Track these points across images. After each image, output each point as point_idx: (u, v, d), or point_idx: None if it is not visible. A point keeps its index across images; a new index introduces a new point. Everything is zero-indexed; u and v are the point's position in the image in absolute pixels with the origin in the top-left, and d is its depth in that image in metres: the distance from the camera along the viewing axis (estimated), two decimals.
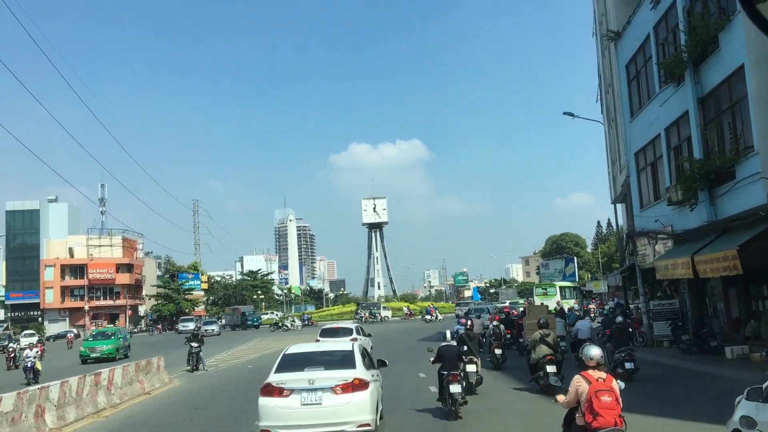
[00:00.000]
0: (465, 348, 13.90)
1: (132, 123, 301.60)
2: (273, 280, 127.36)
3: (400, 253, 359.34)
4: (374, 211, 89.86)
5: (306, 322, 62.46)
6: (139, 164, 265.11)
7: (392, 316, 71.16)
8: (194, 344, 22.92)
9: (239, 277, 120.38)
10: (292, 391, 9.02)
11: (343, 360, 9.84)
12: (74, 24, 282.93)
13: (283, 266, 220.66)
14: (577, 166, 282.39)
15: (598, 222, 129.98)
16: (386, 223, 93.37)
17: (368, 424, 9.12)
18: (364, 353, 10.57)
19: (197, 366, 22.89)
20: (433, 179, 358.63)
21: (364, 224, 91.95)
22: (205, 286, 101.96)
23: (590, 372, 6.30)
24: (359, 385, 9.13)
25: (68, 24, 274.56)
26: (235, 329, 68.04)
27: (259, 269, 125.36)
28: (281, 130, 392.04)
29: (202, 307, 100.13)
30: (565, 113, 31.78)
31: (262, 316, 75.46)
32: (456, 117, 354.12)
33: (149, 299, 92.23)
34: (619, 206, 32.53)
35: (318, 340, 18.85)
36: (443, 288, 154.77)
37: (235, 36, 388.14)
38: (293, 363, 9.73)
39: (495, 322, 21.34)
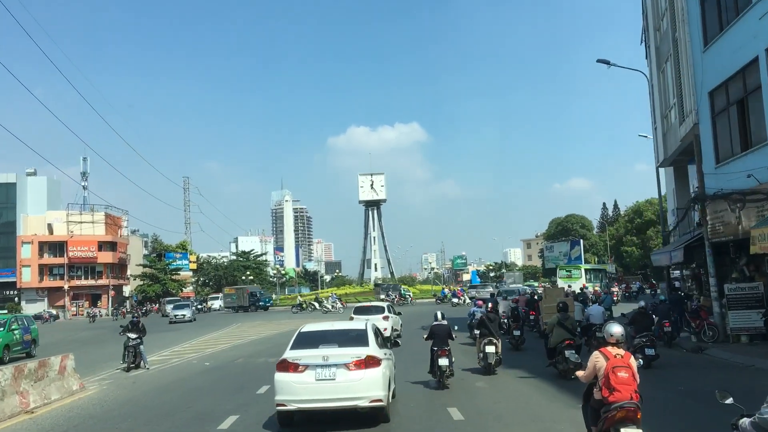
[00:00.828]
0: (480, 330, 14.96)
1: (129, 103, 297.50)
2: (266, 261, 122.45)
3: (398, 236, 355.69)
4: (371, 187, 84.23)
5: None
6: (123, 138, 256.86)
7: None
8: (132, 335, 18.09)
9: (231, 257, 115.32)
10: (306, 366, 9.22)
11: (357, 338, 10.07)
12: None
13: (279, 248, 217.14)
14: (576, 151, 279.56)
15: (604, 204, 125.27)
16: (384, 200, 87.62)
17: (380, 400, 9.30)
18: (377, 332, 10.80)
19: (136, 363, 18.12)
20: (432, 163, 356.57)
21: (360, 201, 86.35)
22: (193, 266, 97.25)
23: (609, 348, 6.52)
24: (372, 362, 9.32)
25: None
26: (237, 311, 63.05)
27: (252, 249, 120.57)
28: (279, 113, 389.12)
29: (191, 287, 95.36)
30: (599, 61, 26.67)
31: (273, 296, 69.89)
32: (454, 100, 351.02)
33: (134, 279, 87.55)
34: (662, 171, 27.62)
35: (352, 318, 21.00)
36: (441, 271, 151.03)
37: (233, 17, 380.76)
38: (308, 340, 10.00)
39: (513, 304, 22.36)
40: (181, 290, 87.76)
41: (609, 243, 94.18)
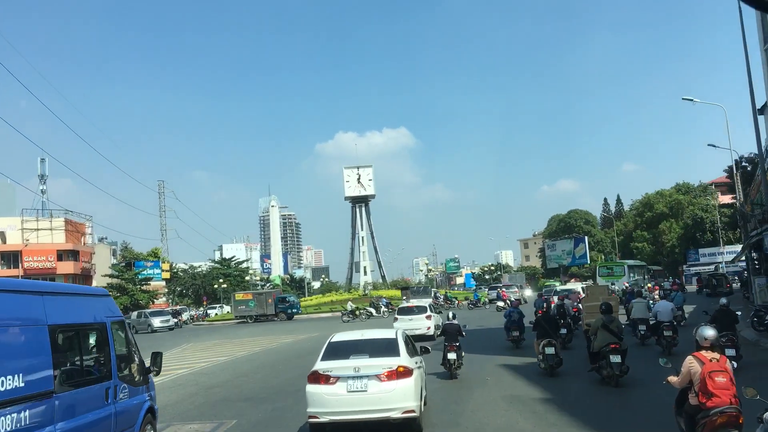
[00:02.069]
0: (537, 330, 15.50)
1: (112, 113, 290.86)
2: (248, 268, 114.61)
3: (388, 240, 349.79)
4: (358, 182, 75.37)
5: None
6: (87, 142, 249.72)
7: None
8: None
9: (210, 265, 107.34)
10: (338, 378, 9.18)
11: (387, 347, 9.92)
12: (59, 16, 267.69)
13: (267, 255, 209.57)
14: (564, 153, 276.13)
15: (605, 200, 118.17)
16: (373, 196, 78.89)
17: (413, 411, 9.22)
18: (408, 341, 10.71)
19: None
20: (420, 167, 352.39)
21: (347, 198, 77.23)
22: (166, 275, 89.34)
23: (703, 353, 6.48)
24: (403, 372, 9.25)
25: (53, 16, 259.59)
26: (257, 320, 54.59)
27: (233, 256, 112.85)
28: (266, 120, 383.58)
29: (164, 299, 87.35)
30: (684, 99, 30.28)
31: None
32: (442, 104, 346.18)
33: None
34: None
35: (396, 319, 25.67)
36: (434, 275, 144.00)
37: (219, 26, 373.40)
38: (338, 351, 9.88)
39: (575, 302, 22.81)
40: (152, 301, 79.87)
41: (617, 239, 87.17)
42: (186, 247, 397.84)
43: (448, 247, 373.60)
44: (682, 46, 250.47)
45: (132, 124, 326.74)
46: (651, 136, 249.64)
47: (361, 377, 9.14)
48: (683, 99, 29.93)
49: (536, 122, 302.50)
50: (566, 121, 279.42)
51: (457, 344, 15.30)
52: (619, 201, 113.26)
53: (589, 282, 63.02)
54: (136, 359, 8.88)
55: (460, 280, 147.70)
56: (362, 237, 74.67)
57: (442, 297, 55.04)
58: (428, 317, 25.73)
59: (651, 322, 18.90)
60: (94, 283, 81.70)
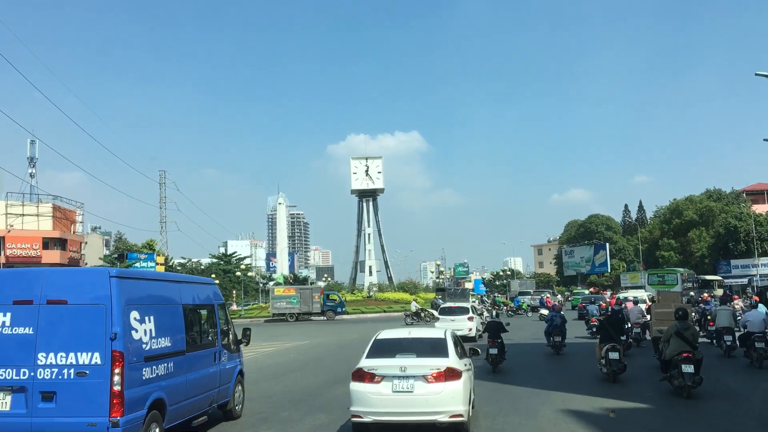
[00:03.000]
0: (600, 335, 15.40)
1: (123, 109, 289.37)
2: (250, 265, 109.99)
3: (397, 243, 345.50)
4: (366, 174, 69.22)
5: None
6: (81, 127, 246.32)
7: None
8: None
9: (210, 260, 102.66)
10: (383, 377, 8.85)
11: (435, 347, 9.48)
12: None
13: (273, 254, 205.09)
14: (576, 162, 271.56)
15: (626, 206, 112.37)
16: (382, 190, 72.36)
17: (461, 415, 8.83)
18: (457, 341, 10.24)
19: None
20: (431, 172, 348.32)
21: (353, 191, 71.12)
22: (161, 268, 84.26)
23: None
24: (452, 374, 8.85)
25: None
26: (294, 320, 49.63)
27: (234, 252, 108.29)
28: (279, 120, 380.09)
29: None
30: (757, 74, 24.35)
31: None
32: (455, 109, 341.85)
33: None
34: None
35: (438, 318, 26.79)
36: (441, 279, 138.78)
37: (232, 24, 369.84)
38: (384, 349, 9.55)
39: (617, 307, 21.49)
40: None
41: (641, 247, 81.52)
42: (188, 242, 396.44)
43: (457, 253, 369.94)
44: (694, 55, 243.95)
45: (142, 120, 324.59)
46: (662, 148, 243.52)
47: (407, 377, 8.76)
48: (756, 74, 24.60)
49: (548, 130, 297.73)
50: (578, 129, 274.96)
51: (499, 340, 16.64)
52: (641, 207, 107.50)
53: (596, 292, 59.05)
54: (231, 333, 11.31)
55: (468, 286, 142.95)
56: (368, 234, 68.85)
57: (489, 302, 47.97)
58: (470, 318, 26.01)
59: (738, 333, 18.28)
60: None
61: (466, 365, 9.70)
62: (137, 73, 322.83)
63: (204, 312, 10.45)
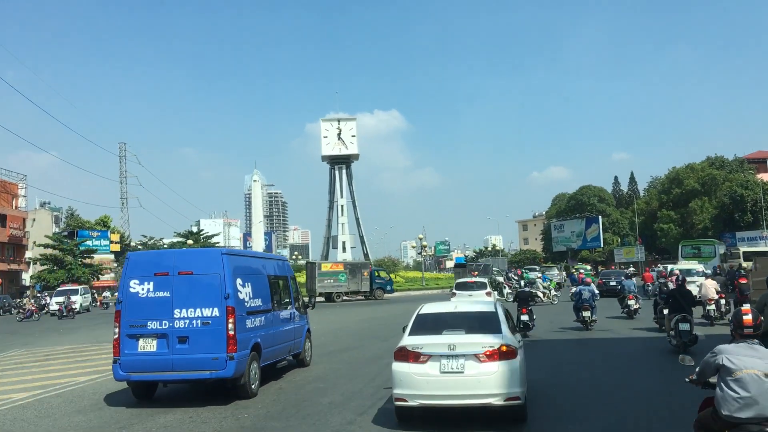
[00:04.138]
0: (669, 305, 14.69)
1: (102, 90, 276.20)
2: (219, 243, 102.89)
3: (376, 223, 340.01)
4: (339, 138, 60.90)
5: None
6: (26, 96, 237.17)
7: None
8: None
9: (175, 239, 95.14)
10: (429, 356, 7.85)
11: (486, 322, 8.50)
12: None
13: (250, 233, 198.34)
14: (554, 140, 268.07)
15: (616, 178, 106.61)
16: (356, 156, 63.92)
17: (517, 398, 7.76)
18: (508, 315, 9.29)
19: None
20: (411, 151, 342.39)
21: (324, 158, 63.10)
22: (116, 247, 77.05)
23: None
24: (507, 352, 7.80)
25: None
26: (334, 300, 43.92)
27: (202, 230, 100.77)
28: (256, 99, 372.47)
29: (111, 275, 75.26)
30: None
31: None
32: (434, 87, 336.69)
33: (34, 264, 67.59)
34: None
35: (454, 293, 25.77)
36: (424, 256, 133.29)
37: (211, 4, 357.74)
38: (429, 324, 8.58)
39: (662, 279, 20.25)
40: (96, 277, 67.90)
41: (638, 220, 75.65)
42: (154, 221, 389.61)
43: (438, 232, 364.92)
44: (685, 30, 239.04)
45: (121, 100, 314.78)
46: (640, 125, 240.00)
47: (456, 356, 7.74)
48: None
49: (528, 107, 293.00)
50: (558, 107, 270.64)
51: (529, 308, 17.81)
52: (632, 179, 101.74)
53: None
54: (300, 299, 14.31)
55: (449, 264, 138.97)
56: (341, 206, 61.51)
57: (515, 278, 41.37)
58: (488, 294, 25.72)
59: None
60: (29, 254, 69.72)
61: (519, 341, 8.59)
62: (114, 52, 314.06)
63: (281, 282, 13.25)
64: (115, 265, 78.67)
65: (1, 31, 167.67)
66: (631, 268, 36.59)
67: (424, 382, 7.78)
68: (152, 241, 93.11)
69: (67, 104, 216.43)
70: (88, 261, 66.72)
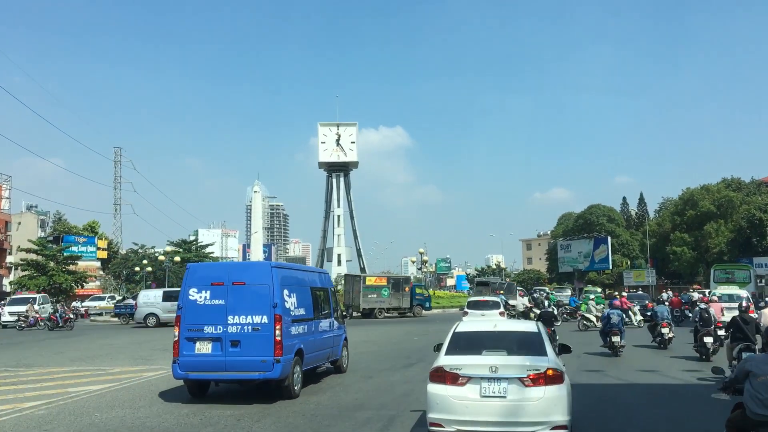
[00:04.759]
0: (732, 333, 13.73)
1: (107, 98, 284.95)
2: (212, 253, 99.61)
3: (376, 236, 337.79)
4: (337, 144, 57.22)
5: None
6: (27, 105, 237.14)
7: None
8: None
9: (168, 248, 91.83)
10: (469, 378, 7.25)
11: (529, 344, 7.89)
12: None
13: (249, 245, 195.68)
14: (558, 161, 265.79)
15: (624, 198, 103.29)
16: (355, 164, 59.72)
17: (564, 427, 7.11)
18: (552, 336, 9.25)
19: None
20: (414, 168, 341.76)
21: (321, 164, 59.38)
22: (103, 254, 73.87)
23: None
24: (554, 376, 7.15)
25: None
26: (376, 316, 41.01)
27: (195, 239, 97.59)
28: (263, 113, 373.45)
29: (97, 283, 72.00)
30: None
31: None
32: (440, 105, 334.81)
33: (16, 269, 64.40)
34: None
35: (466, 312, 25.31)
36: (421, 275, 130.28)
37: (218, 16, 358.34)
38: (466, 344, 7.98)
39: (703, 305, 18.97)
40: (80, 285, 64.55)
41: (649, 242, 72.25)
42: (150, 229, 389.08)
43: (439, 249, 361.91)
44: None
45: (125, 108, 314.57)
46: (643, 149, 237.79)
47: (499, 379, 7.14)
48: None
49: (532, 127, 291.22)
50: (561, 128, 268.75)
51: (552, 329, 17.08)
52: (642, 200, 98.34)
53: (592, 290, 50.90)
54: (339, 309, 15.57)
55: (450, 282, 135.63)
56: (338, 216, 58.19)
57: (544, 300, 35.16)
58: (501, 313, 25.01)
59: None
60: (10, 259, 66.60)
61: (563, 365, 7.78)
62: (122, 60, 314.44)
63: (322, 293, 14.15)
64: (102, 273, 75.43)
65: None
66: (667, 293, 33.19)
67: (462, 407, 7.19)
68: (143, 249, 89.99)
69: (70, 111, 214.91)
70: (72, 268, 63.51)
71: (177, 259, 64.01)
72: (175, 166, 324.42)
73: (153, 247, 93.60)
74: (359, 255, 59.24)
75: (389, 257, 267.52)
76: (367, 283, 42.32)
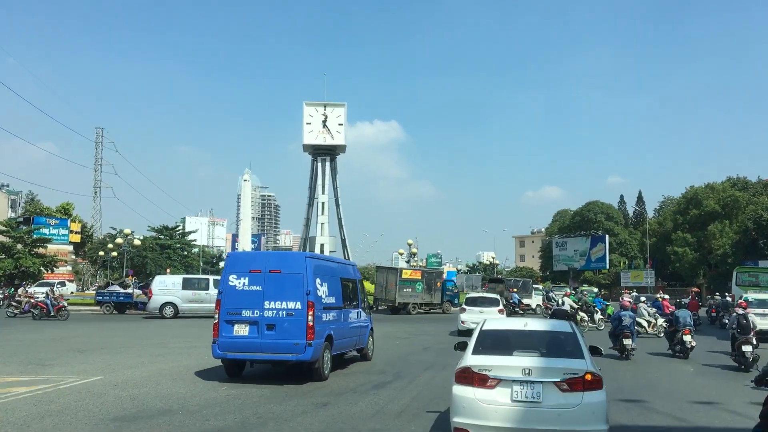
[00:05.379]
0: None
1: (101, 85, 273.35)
2: (194, 241, 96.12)
3: (367, 230, 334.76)
4: (324, 125, 53.33)
5: None
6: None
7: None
8: None
9: (148, 233, 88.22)
10: (499, 381, 6.61)
11: (564, 344, 7.23)
12: None
13: (238, 234, 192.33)
14: (550, 159, 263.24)
15: (621, 197, 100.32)
16: (343, 147, 55.91)
17: None
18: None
19: None
20: (408, 163, 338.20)
21: (305, 147, 55.27)
22: (75, 238, 70.05)
23: None
24: (592, 381, 6.51)
25: None
26: (410, 312, 37.98)
27: (177, 226, 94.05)
28: (256, 102, 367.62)
29: (68, 268, 68.37)
30: None
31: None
32: (436, 101, 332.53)
33: None
34: None
35: (464, 309, 24.41)
36: (415, 264, 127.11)
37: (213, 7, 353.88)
38: (494, 343, 7.32)
39: (741, 310, 16.84)
40: (50, 270, 61.03)
41: (648, 241, 69.25)
42: (133, 214, 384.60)
43: (430, 244, 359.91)
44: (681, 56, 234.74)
45: (121, 95, 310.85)
46: (634, 151, 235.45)
47: (532, 383, 6.49)
48: None
49: (527, 125, 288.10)
50: (556, 126, 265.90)
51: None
52: (640, 198, 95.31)
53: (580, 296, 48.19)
54: (366, 300, 16.15)
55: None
56: (322, 204, 54.65)
57: (564, 300, 29.48)
58: (500, 311, 24.29)
59: None
60: None
61: (600, 370, 6.95)
62: (116, 48, 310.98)
63: (351, 284, 14.79)
64: (73, 257, 71.74)
65: None
66: (663, 295, 29.48)
67: (491, 412, 6.52)
68: (122, 234, 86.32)
69: (60, 98, 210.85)
70: (41, 251, 59.96)
71: (137, 242, 60.68)
72: (168, 153, 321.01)
73: (132, 233, 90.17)
74: (344, 246, 55.81)
75: (379, 251, 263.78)
76: (404, 276, 39.21)
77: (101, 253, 63.20)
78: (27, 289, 35.50)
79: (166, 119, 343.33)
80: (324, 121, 52.97)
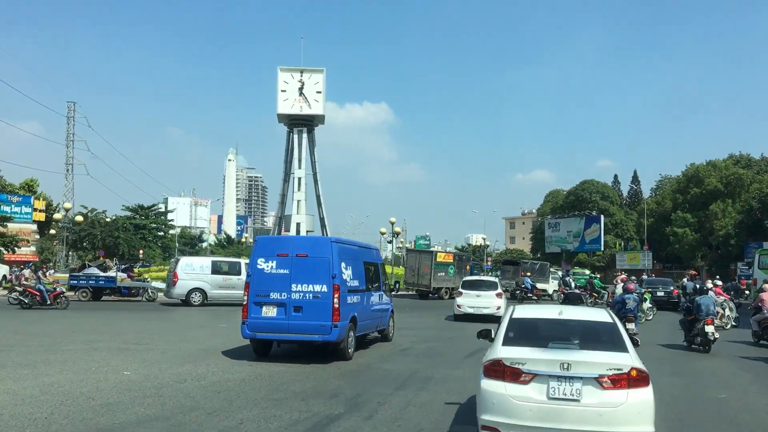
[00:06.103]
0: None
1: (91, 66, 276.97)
2: (172, 221, 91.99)
3: (354, 212, 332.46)
4: (300, 93, 48.33)
5: None
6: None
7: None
8: None
9: (121, 212, 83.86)
10: (533, 376, 5.97)
11: (604, 336, 6.54)
12: None
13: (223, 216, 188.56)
14: (540, 142, 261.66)
15: (615, 176, 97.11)
16: (321, 117, 50.95)
17: None
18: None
19: None
20: (398, 145, 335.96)
21: (280, 117, 50.58)
22: (40, 216, 65.73)
23: None
24: (638, 378, 5.89)
25: None
26: (443, 297, 37.18)
27: (153, 205, 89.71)
28: (246, 85, 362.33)
29: (32, 248, 64.26)
30: None
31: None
32: (425, 83, 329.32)
33: None
34: None
35: (461, 293, 23.70)
36: (401, 246, 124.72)
37: None
38: (526, 333, 6.64)
39: None
40: (11, 250, 57.10)
41: (646, 222, 65.90)
42: (108, 193, 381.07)
43: (419, 227, 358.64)
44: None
45: (112, 75, 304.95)
46: (623, 135, 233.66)
47: (571, 378, 5.87)
48: None
49: (517, 108, 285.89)
50: (546, 109, 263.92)
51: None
52: (635, 178, 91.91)
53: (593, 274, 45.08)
54: (387, 284, 16.85)
55: None
56: (299, 179, 50.30)
57: (573, 283, 30.37)
58: (498, 295, 23.53)
59: None
60: None
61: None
62: (108, 31, 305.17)
63: (373, 268, 15.29)
64: (37, 237, 67.60)
65: None
66: (715, 281, 25.79)
67: (525, 409, 5.89)
68: (94, 213, 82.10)
69: (44, 79, 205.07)
70: (1, 230, 55.98)
71: (79, 218, 57.05)
72: (156, 134, 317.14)
73: (104, 211, 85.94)
74: (323, 225, 51.69)
75: (365, 232, 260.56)
76: (438, 259, 37.66)
77: (52, 231, 59.26)
78: (25, 273, 29.83)
79: (154, 101, 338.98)
80: (300, 89, 48.50)
